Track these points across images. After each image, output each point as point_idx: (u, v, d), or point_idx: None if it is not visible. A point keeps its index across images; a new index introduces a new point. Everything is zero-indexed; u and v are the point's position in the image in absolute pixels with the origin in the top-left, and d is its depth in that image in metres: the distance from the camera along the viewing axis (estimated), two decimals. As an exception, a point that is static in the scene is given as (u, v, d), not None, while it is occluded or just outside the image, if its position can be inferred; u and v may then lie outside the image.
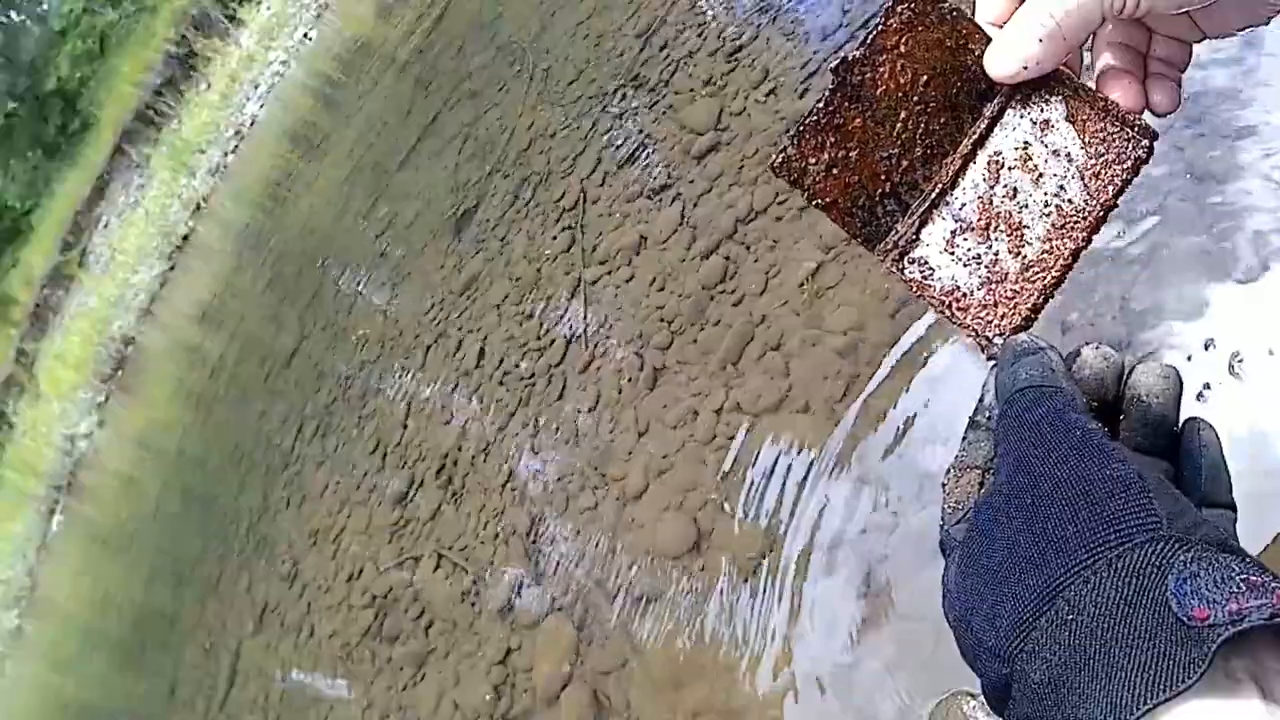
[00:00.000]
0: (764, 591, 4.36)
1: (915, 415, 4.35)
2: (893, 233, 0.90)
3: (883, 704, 3.89)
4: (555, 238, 6.45)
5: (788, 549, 4.33)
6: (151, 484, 13.29)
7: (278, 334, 10.52)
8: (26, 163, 31.29)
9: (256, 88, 19.93)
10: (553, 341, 5.95)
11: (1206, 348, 3.28)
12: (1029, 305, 0.86)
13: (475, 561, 5.61)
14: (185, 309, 16.80)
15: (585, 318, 5.81)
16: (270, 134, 17.96)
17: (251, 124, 19.43)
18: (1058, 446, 0.69)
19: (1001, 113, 0.87)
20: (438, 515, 6.07)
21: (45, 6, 32.01)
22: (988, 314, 0.88)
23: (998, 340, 0.87)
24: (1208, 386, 3.19)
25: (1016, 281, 0.86)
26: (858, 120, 0.86)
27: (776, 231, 5.12)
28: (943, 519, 0.83)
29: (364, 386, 7.82)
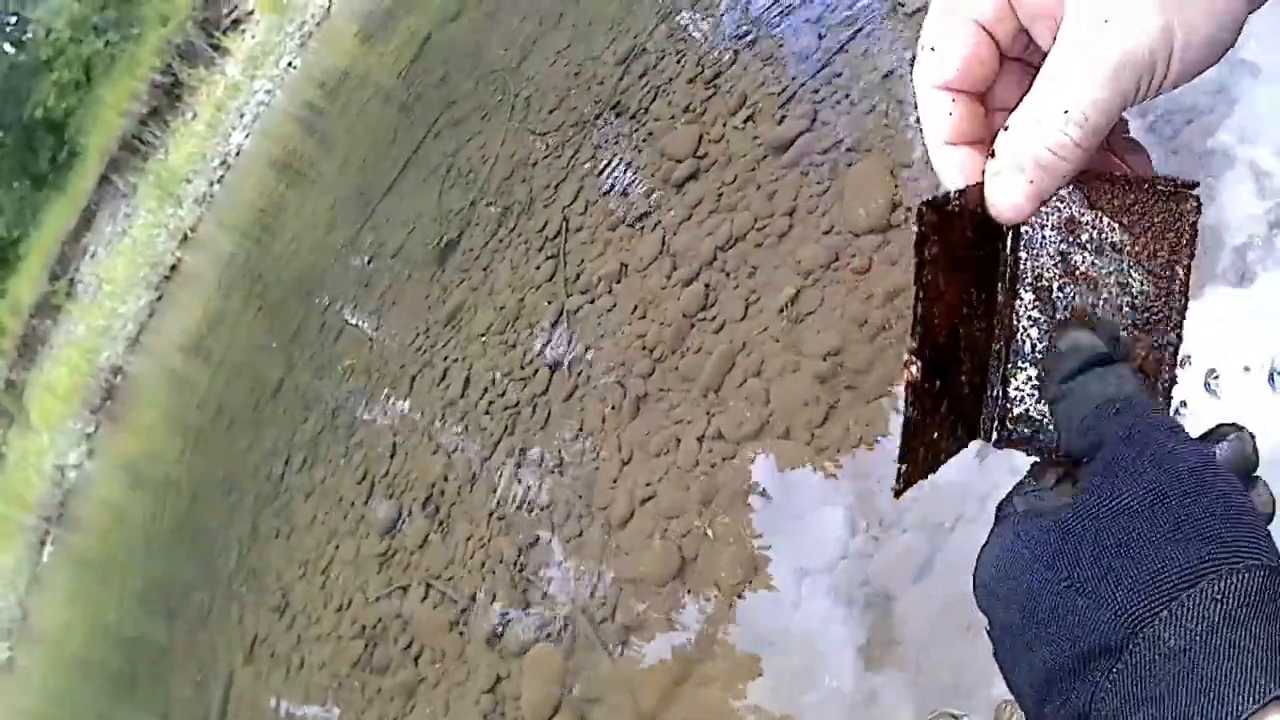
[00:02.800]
0: (747, 617, 4.40)
1: (895, 441, 4.39)
2: (983, 414, 0.83)
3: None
4: (538, 267, 6.49)
5: (771, 574, 4.37)
6: (141, 514, 13.27)
7: (265, 364, 10.54)
8: (13, 192, 31.27)
9: (242, 117, 19.97)
10: (537, 370, 5.98)
11: (1181, 365, 3.32)
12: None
13: (463, 590, 5.63)
14: (173, 339, 16.79)
15: (569, 346, 5.86)
16: (256, 163, 17.99)
17: (238, 153, 19.46)
18: (1175, 465, 0.67)
19: (1017, 239, 0.76)
20: (425, 545, 6.09)
21: (29, 35, 32.06)
22: None
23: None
24: (1184, 404, 3.22)
25: None
26: (939, 384, 0.77)
27: (756, 258, 5.17)
28: (1019, 490, 0.80)
29: (351, 416, 7.85)
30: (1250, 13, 0.67)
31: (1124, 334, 0.77)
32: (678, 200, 5.83)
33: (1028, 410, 0.81)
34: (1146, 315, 0.76)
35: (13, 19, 33.64)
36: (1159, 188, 0.74)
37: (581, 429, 5.43)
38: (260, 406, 10.05)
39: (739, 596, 4.44)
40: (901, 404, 0.76)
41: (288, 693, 6.83)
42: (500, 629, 5.34)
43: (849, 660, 4.06)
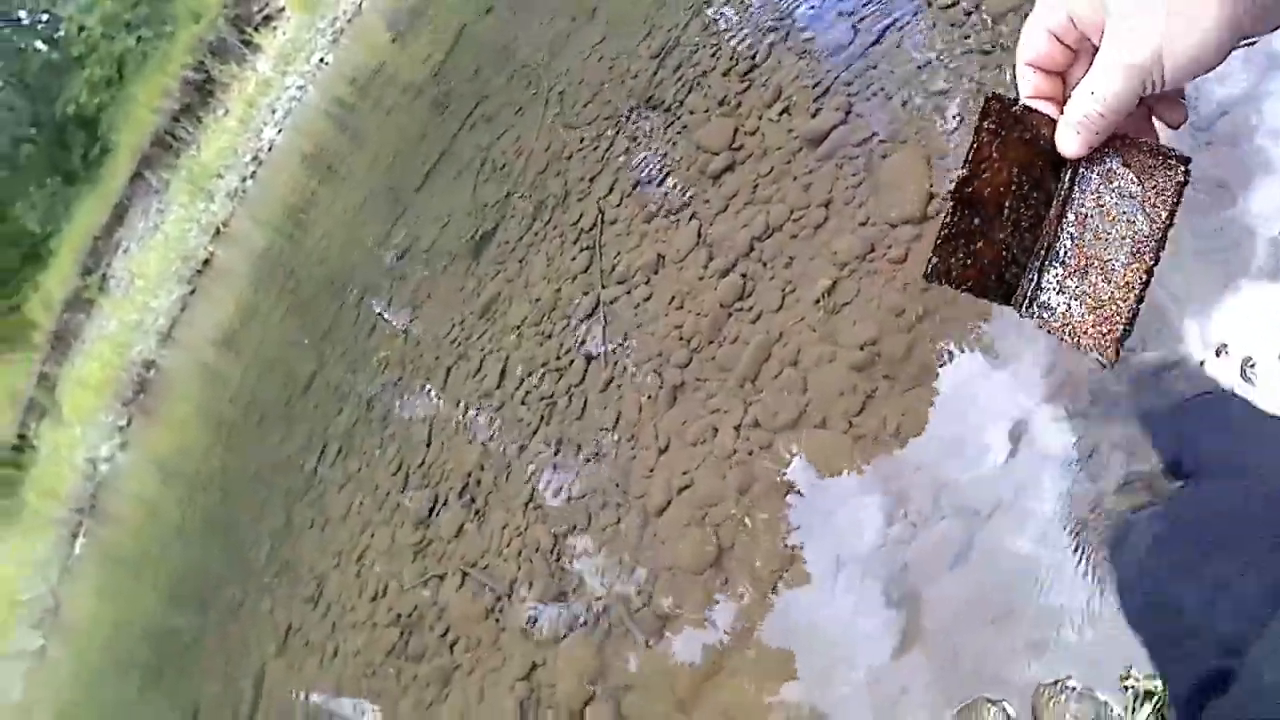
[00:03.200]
0: (782, 608, 4.41)
1: (931, 429, 4.40)
2: (1019, 290, 1.18)
3: (906, 716, 3.93)
4: (574, 258, 6.52)
5: (807, 562, 4.38)
6: (173, 507, 13.36)
7: (298, 357, 10.60)
8: (45, 189, 31.56)
9: (274, 113, 20.07)
10: (573, 361, 6.01)
11: (1218, 354, 3.32)
12: (1124, 320, 1.10)
13: (498, 579, 5.67)
14: (206, 333, 16.89)
15: (604, 337, 5.88)
16: (288, 159, 18.07)
17: (269, 149, 19.55)
18: None
19: (1075, 174, 1.13)
20: (461, 534, 6.13)
21: (61, 32, 32.32)
22: (1097, 332, 1.12)
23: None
24: (1228, 390, 3.22)
25: (1112, 303, 1.11)
26: (976, 221, 1.15)
27: (792, 249, 5.18)
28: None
29: (386, 408, 7.89)
30: (1244, 42, 0.98)
31: (1121, 257, 1.10)
32: (713, 192, 5.84)
33: (1049, 299, 1.16)
34: (1138, 247, 1.09)
35: (45, 17, 33.96)
36: (1165, 156, 1.08)
37: (618, 419, 5.45)
38: (293, 400, 10.11)
39: (774, 587, 4.45)
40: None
41: (321, 682, 6.87)
42: (536, 617, 5.38)
43: (883, 650, 4.07)
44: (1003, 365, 4.29)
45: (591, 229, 6.57)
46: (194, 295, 19.34)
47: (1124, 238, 1.10)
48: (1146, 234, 1.09)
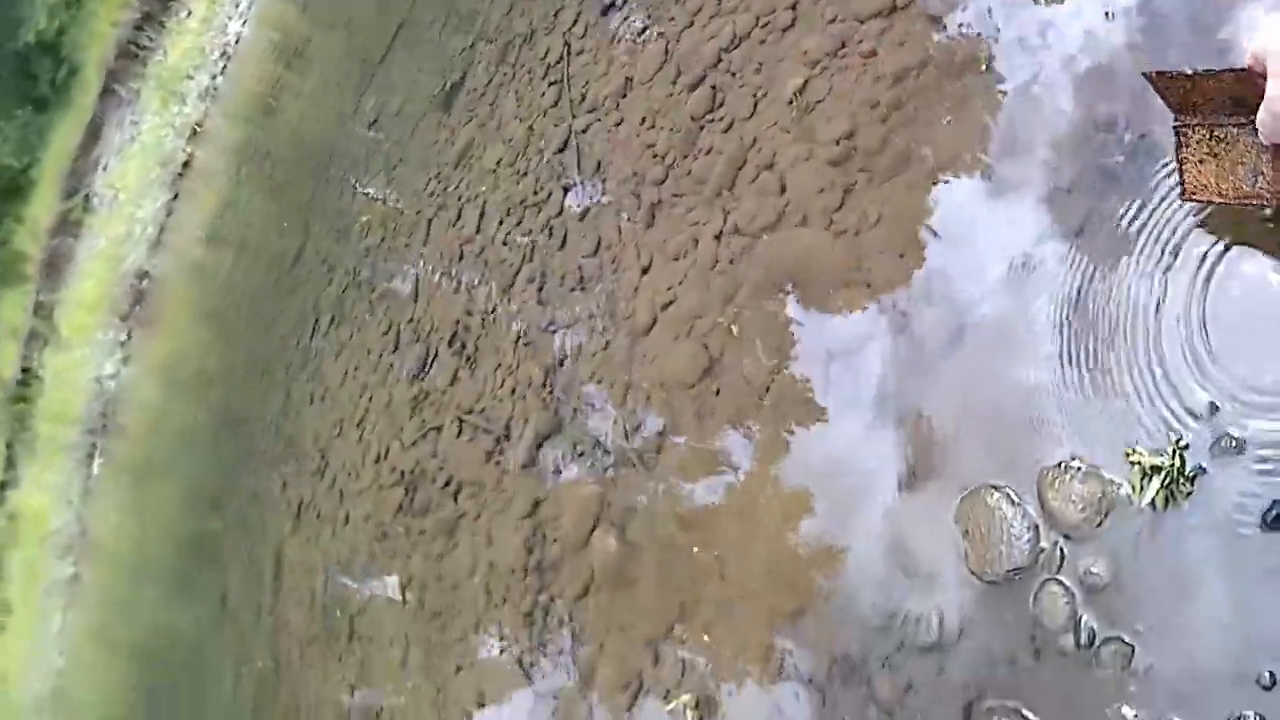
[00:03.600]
0: (781, 411, 4.38)
1: (915, 219, 4.31)
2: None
3: (912, 504, 3.93)
4: (543, 94, 6.37)
5: (798, 359, 4.35)
6: (181, 411, 13.39)
7: (284, 238, 10.48)
8: (17, 120, 31.02)
9: (237, 6, 19.58)
10: (550, 194, 5.91)
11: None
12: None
13: (495, 421, 5.66)
14: (194, 234, 16.71)
15: (579, 166, 5.77)
16: (255, 50, 17.67)
17: (236, 42, 19.10)
18: None
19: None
20: (455, 382, 6.11)
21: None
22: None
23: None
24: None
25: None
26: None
27: (760, 55, 5.05)
28: None
29: (372, 271, 7.81)
30: None
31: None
32: (678, 9, 5.68)
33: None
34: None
35: (-5, -61, 33.05)
36: None
37: (599, 244, 5.38)
38: (282, 279, 10.02)
39: (766, 390, 4.42)
40: None
41: (336, 552, 6.93)
42: (535, 454, 5.38)
43: (885, 436, 4.05)
44: (979, 142, 4.18)
45: (559, 63, 6.40)
46: (177, 200, 19.08)
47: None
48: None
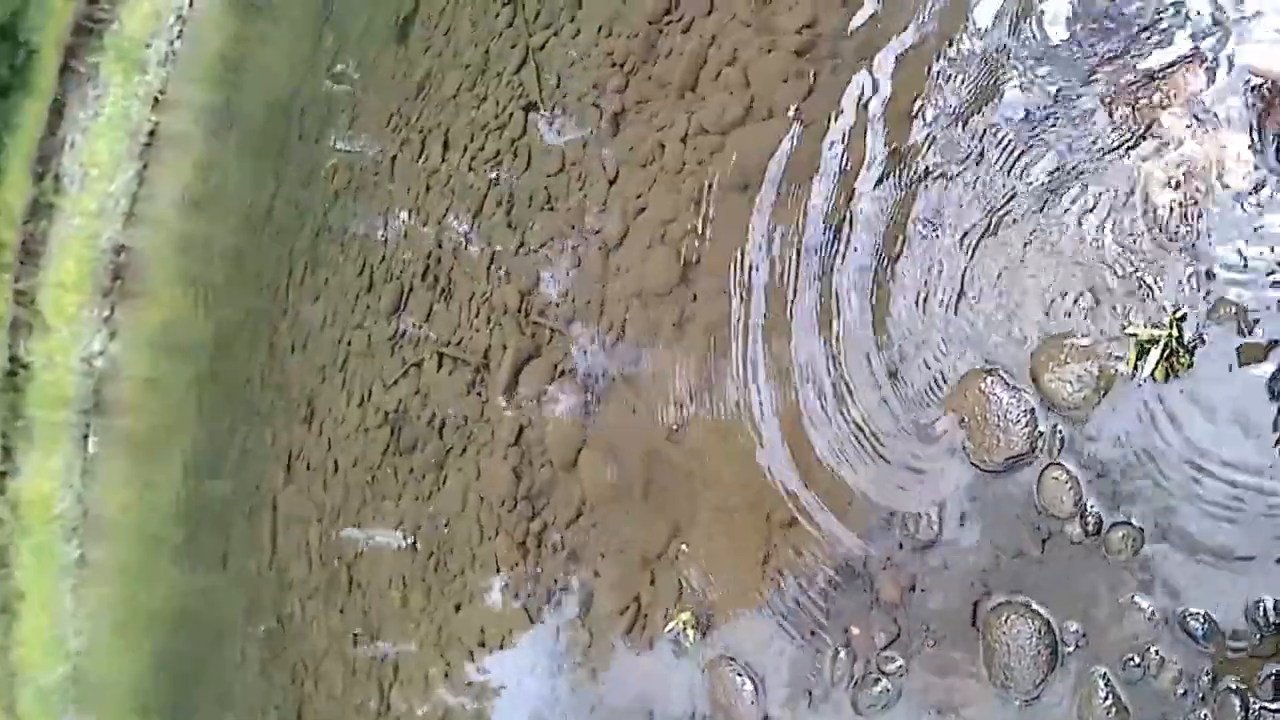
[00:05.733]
0: (760, 313, 4.28)
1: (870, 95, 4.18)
2: None
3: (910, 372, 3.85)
4: (497, 15, 6.17)
5: (773, 265, 4.24)
6: (171, 379, 13.27)
7: (255, 191, 10.34)
8: (-19, 106, 30.66)
9: (189, -34, 19.28)
10: (511, 115, 5.75)
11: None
12: None
13: (474, 351, 5.55)
14: (167, 201, 16.52)
15: (539, 84, 5.61)
16: (211, 8, 17.45)
17: (190, 4, 18.86)
18: None
19: None
20: (431, 316, 5.99)
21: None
22: None
23: None
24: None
25: None
26: None
27: (714, -52, 4.89)
28: None
29: (342, 214, 7.67)
30: None
31: None
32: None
33: None
34: None
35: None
36: None
37: (564, 161, 5.26)
38: (258, 233, 9.88)
39: (748, 291, 4.32)
40: None
41: (329, 500, 6.87)
42: (515, 379, 5.28)
43: (878, 315, 3.96)
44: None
45: (512, -19, 6.23)
46: (148, 169, 18.88)
47: None
48: None
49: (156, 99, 19.04)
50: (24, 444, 21.51)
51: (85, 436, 19.85)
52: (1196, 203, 3.24)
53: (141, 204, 18.72)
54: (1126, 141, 3.42)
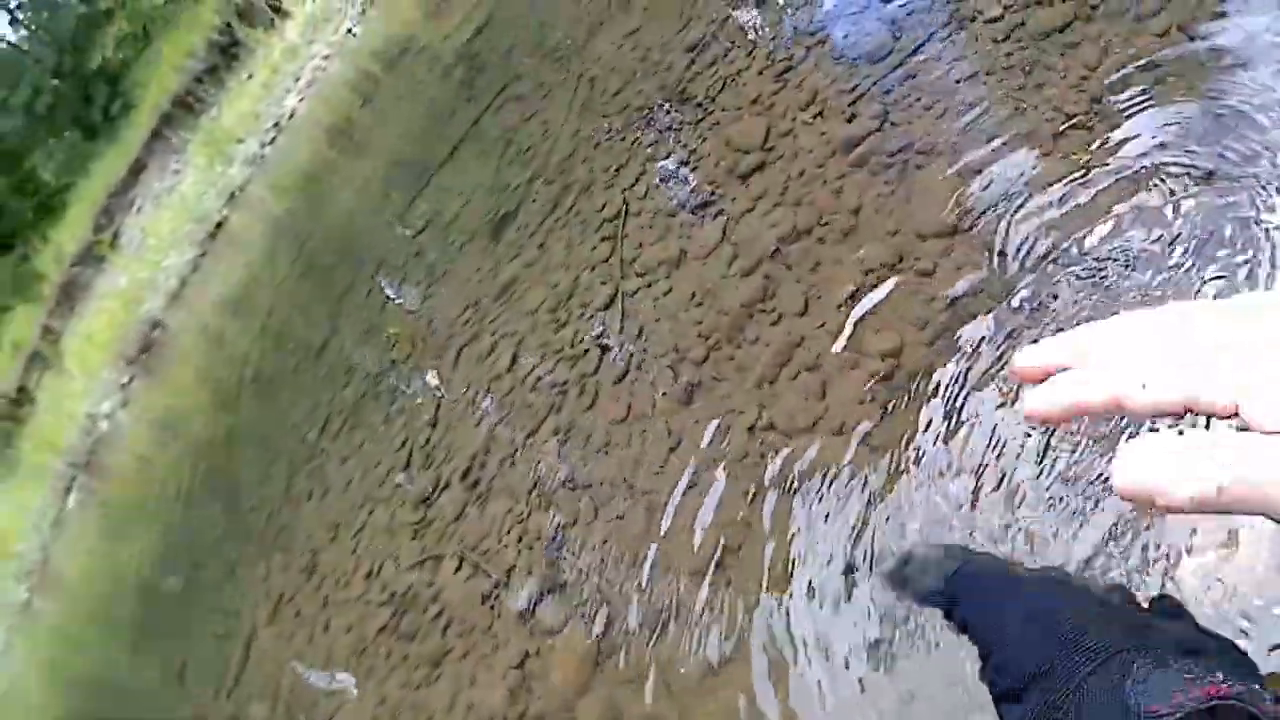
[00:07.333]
0: (788, 611, 4.34)
1: (926, 448, 4.33)
2: None
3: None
4: (594, 247, 6.45)
5: (811, 571, 4.32)
6: (170, 468, 13.33)
7: (308, 327, 10.53)
8: (64, 141, 31.52)
9: (298, 80, 20.01)
10: (587, 350, 5.95)
11: None
12: None
13: (497, 565, 5.62)
14: (215, 296, 16.83)
15: (621, 329, 5.82)
16: (309, 127, 17.98)
17: (291, 116, 19.48)
18: None
19: None
20: (462, 516, 6.08)
21: (90, -14, 32.29)
22: None
23: None
24: None
25: None
26: None
27: (818, 253, 5.13)
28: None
29: (393, 384, 7.82)
30: None
31: None
32: (741, 191, 5.79)
33: None
34: None
35: (78, -31, 33.91)
36: None
37: (629, 412, 5.40)
38: (300, 369, 10.05)
39: (785, 589, 4.39)
40: None
41: (310, 654, 6.83)
42: (533, 606, 5.32)
43: (883, 656, 4.01)
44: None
45: (615, 219, 6.50)
46: (205, 258, 19.29)
47: None
48: None
49: (233, 194, 19.64)
50: (4, 472, 21.38)
51: (68, 489, 19.80)
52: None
53: (189, 289, 19.14)
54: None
